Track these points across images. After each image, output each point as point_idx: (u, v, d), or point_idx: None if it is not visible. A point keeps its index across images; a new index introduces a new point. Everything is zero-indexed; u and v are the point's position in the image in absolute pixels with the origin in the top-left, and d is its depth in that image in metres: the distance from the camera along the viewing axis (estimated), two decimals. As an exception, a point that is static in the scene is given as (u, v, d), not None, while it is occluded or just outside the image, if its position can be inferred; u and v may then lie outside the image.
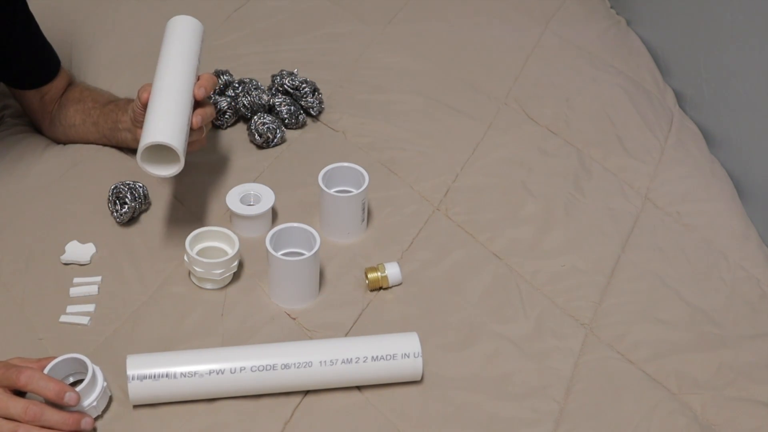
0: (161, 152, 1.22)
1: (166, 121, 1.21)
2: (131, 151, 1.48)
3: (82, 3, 1.82)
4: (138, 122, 1.32)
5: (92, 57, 1.69)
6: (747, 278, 1.36)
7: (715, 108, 1.65)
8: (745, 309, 1.31)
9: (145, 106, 1.27)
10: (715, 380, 1.20)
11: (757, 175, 1.53)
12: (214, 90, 1.58)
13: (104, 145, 1.48)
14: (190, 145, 1.27)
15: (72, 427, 1.05)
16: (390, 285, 1.29)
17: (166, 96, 1.24)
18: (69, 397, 1.05)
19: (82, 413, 1.06)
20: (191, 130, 1.26)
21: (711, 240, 1.42)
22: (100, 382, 1.09)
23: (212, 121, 1.54)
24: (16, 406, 1.04)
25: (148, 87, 1.27)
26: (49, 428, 1.04)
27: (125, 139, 1.43)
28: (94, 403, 1.08)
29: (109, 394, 1.11)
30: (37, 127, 1.53)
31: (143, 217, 1.37)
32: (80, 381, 1.10)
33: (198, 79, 1.30)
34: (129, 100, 1.42)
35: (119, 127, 1.41)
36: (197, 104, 1.28)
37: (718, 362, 1.22)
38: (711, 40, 1.66)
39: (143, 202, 1.37)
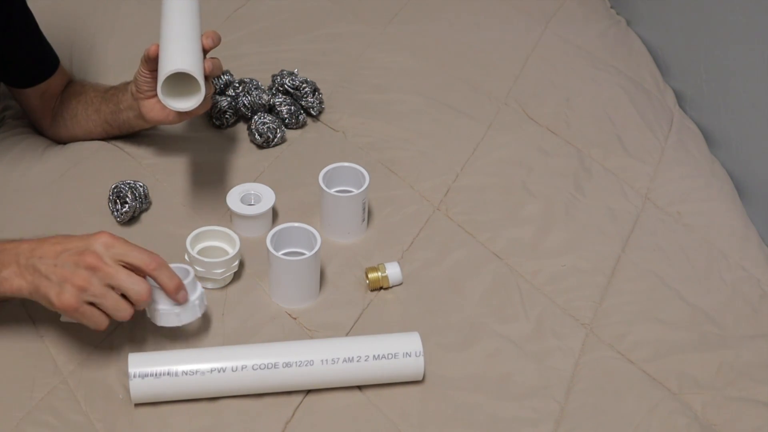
0: (180, 87, 1.22)
1: (184, 53, 1.22)
2: (132, 149, 1.48)
3: (83, 3, 1.82)
4: (141, 91, 1.32)
5: (93, 57, 1.69)
6: (747, 278, 1.37)
7: (715, 108, 1.65)
8: (746, 309, 1.31)
9: (149, 64, 1.27)
10: (715, 380, 1.21)
11: (757, 175, 1.53)
12: (215, 90, 1.58)
13: (105, 134, 1.47)
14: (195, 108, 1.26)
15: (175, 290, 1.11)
16: (390, 285, 1.29)
17: (177, 39, 1.25)
18: (182, 295, 1.12)
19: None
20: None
21: (711, 240, 1.43)
22: (200, 288, 1.16)
23: (213, 121, 1.55)
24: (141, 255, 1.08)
25: (153, 45, 1.27)
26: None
27: (127, 119, 1.42)
28: (197, 302, 1.14)
29: (206, 304, 1.17)
30: (38, 127, 1.53)
31: (144, 216, 1.37)
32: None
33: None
34: (129, 83, 1.42)
35: (120, 107, 1.41)
36: (206, 55, 1.28)
37: (718, 362, 1.23)
38: (711, 40, 1.66)
39: (144, 202, 1.37)
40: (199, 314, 1.15)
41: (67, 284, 1.04)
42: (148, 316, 1.15)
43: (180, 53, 1.22)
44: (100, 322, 1.07)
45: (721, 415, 1.17)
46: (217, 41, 1.29)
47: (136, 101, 1.34)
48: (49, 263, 1.06)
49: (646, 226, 1.44)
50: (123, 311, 1.07)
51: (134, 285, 1.06)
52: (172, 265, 1.12)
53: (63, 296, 1.04)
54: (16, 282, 1.07)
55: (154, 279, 1.09)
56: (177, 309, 1.13)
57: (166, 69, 1.20)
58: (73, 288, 1.04)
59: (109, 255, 1.06)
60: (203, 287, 1.26)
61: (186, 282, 1.13)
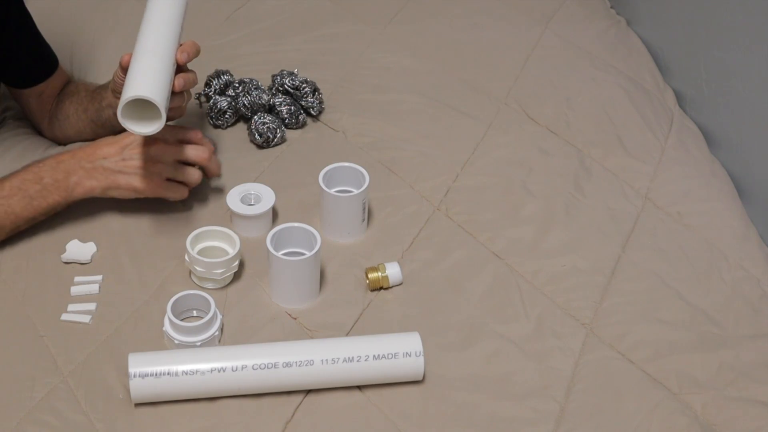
0: (143, 110, 1.20)
1: (147, 77, 1.19)
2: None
3: (83, 4, 1.82)
4: (118, 92, 1.31)
5: (93, 58, 1.69)
6: (747, 278, 1.37)
7: (715, 108, 1.65)
8: (746, 309, 1.31)
9: (125, 71, 1.26)
10: (715, 380, 1.21)
11: (757, 175, 1.53)
12: (214, 90, 1.58)
13: (94, 134, 1.46)
14: (170, 111, 1.25)
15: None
16: (390, 285, 1.29)
17: (147, 56, 1.23)
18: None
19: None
20: (173, 93, 1.25)
21: (711, 240, 1.42)
22: (219, 318, 1.20)
23: (213, 121, 1.55)
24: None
25: (126, 54, 1.26)
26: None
27: (109, 117, 1.42)
28: (216, 333, 1.18)
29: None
30: (38, 128, 1.54)
31: (144, 216, 1.37)
32: (197, 318, 1.22)
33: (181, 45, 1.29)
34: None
35: (103, 105, 1.41)
36: (180, 70, 1.28)
37: (718, 362, 1.23)
38: (711, 40, 1.66)
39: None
40: (217, 342, 1.20)
41: (143, 170, 1.24)
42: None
43: (143, 75, 1.20)
44: (182, 190, 1.29)
45: (721, 415, 1.17)
46: (194, 54, 1.29)
47: (115, 100, 1.35)
48: (115, 160, 1.25)
49: (646, 226, 1.44)
50: (195, 176, 1.29)
51: (196, 150, 1.28)
52: (191, 292, 1.21)
53: (146, 180, 1.25)
54: (88, 183, 1.25)
55: (196, 142, 1.30)
56: (198, 343, 1.17)
57: (126, 93, 1.17)
58: (150, 172, 1.25)
59: (166, 137, 1.27)
60: (203, 287, 1.26)
61: (208, 317, 1.17)
